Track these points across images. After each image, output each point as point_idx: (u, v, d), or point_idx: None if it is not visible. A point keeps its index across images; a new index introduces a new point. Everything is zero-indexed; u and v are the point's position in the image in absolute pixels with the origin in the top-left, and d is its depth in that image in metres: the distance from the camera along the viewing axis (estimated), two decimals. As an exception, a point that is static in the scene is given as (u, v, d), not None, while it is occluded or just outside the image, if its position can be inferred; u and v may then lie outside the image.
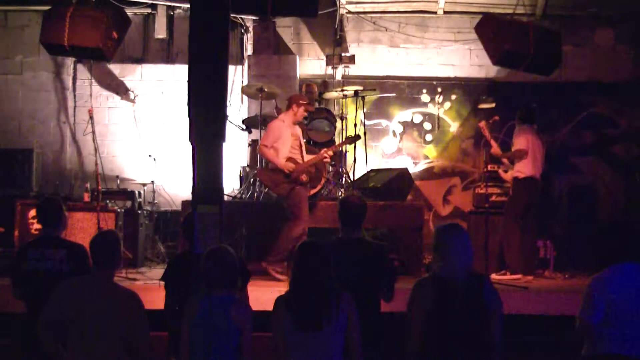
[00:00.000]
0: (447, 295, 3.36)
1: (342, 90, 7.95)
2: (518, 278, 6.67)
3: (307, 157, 6.80)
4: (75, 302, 3.51)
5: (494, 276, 6.70)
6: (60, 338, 3.58)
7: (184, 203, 7.08)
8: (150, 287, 5.87)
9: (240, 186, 7.97)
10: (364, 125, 7.81)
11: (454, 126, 9.18)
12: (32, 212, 6.96)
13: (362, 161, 7.86)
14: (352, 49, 9.05)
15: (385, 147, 9.18)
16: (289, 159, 6.60)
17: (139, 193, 8.02)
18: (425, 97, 9.19)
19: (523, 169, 6.86)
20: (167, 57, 9.19)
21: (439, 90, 9.16)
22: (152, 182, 8.30)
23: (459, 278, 3.39)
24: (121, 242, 3.80)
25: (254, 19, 8.89)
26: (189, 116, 4.97)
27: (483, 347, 3.40)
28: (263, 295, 5.29)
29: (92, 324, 3.47)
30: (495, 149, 7.08)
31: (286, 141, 6.63)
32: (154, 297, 4.65)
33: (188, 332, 3.49)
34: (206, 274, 3.52)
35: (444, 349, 3.35)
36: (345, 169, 7.68)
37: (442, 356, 3.36)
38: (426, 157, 9.18)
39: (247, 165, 8.07)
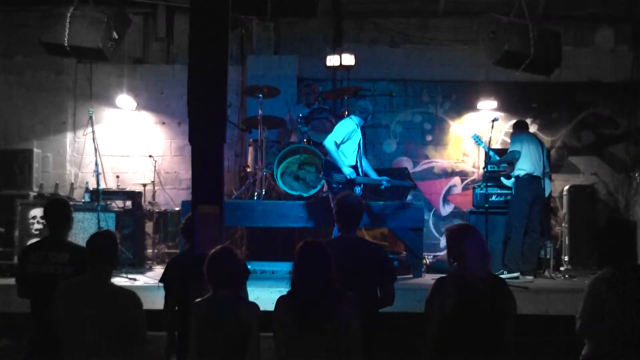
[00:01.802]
0: (469, 295, 3.35)
1: (342, 90, 7.94)
2: (516, 277, 6.68)
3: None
4: (73, 303, 3.50)
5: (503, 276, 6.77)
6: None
7: (184, 203, 7.07)
8: (150, 287, 5.87)
9: (241, 186, 7.96)
10: (364, 125, 7.81)
11: (454, 126, 9.18)
12: (32, 212, 6.96)
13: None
14: (352, 49, 9.05)
15: (385, 147, 9.18)
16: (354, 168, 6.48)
17: (139, 193, 8.01)
18: (425, 97, 9.20)
19: (523, 166, 7.04)
20: (167, 57, 9.19)
21: (439, 90, 9.17)
22: (152, 182, 8.29)
23: (481, 278, 3.39)
24: (119, 242, 3.78)
25: (254, 19, 8.88)
26: (189, 116, 4.98)
27: (499, 349, 3.40)
28: (263, 295, 5.28)
29: (91, 323, 3.45)
30: (493, 158, 7.25)
31: (353, 145, 6.55)
32: (154, 297, 4.64)
33: (197, 332, 3.48)
34: (212, 274, 3.51)
35: (461, 349, 3.34)
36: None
37: (459, 356, 3.36)
38: (426, 157, 9.19)
39: (247, 165, 8.07)
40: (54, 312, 3.55)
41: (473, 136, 7.80)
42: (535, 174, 7.03)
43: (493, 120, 7.26)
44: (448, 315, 3.34)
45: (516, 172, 7.09)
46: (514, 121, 7.46)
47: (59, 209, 4.29)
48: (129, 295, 3.61)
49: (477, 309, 3.35)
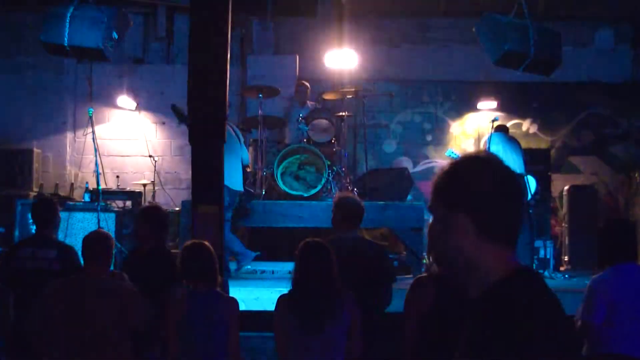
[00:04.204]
0: (446, 294, 3.27)
1: (342, 90, 7.93)
2: None
3: None
4: (68, 301, 3.45)
5: None
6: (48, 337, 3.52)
7: (184, 203, 7.06)
8: None
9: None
10: (364, 125, 7.81)
11: (454, 126, 9.18)
12: (32, 212, 6.95)
13: (362, 161, 7.84)
14: (352, 48, 9.03)
15: (385, 147, 9.17)
16: None
17: (139, 193, 8.00)
18: (425, 97, 9.19)
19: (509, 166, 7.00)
20: (167, 57, 9.18)
21: (439, 90, 9.16)
22: (152, 182, 8.28)
23: None
24: (114, 242, 3.75)
25: (254, 19, 8.87)
26: (189, 116, 4.97)
27: None
28: (264, 295, 5.27)
29: (86, 320, 3.41)
30: None
31: None
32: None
33: (175, 329, 3.49)
34: (185, 269, 3.55)
35: (440, 350, 3.33)
36: (345, 169, 7.66)
37: (438, 357, 3.34)
38: (426, 157, 9.18)
39: (247, 165, 8.05)
40: (43, 309, 3.49)
41: (448, 152, 7.77)
42: (519, 173, 7.05)
43: (493, 121, 7.27)
44: (425, 314, 3.30)
45: None
46: (514, 122, 7.46)
47: (46, 207, 4.33)
48: (127, 293, 3.57)
49: (456, 307, 3.31)
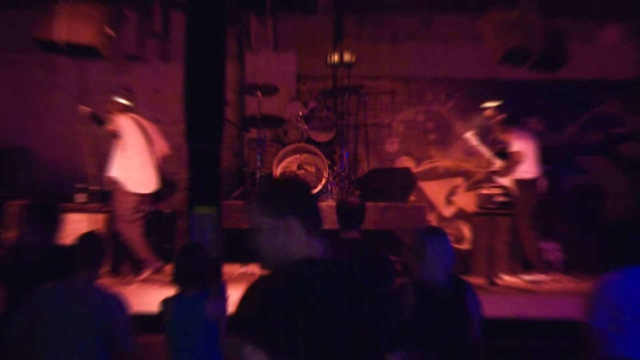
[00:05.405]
0: (426, 300, 3.35)
1: (343, 89, 7.84)
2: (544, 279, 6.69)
3: None
4: (52, 308, 3.36)
5: (524, 277, 6.78)
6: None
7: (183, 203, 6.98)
8: (145, 289, 5.85)
9: (239, 187, 7.87)
10: (365, 124, 7.73)
11: (457, 125, 9.07)
12: (23, 214, 6.85)
13: (363, 161, 7.77)
14: (353, 45, 8.91)
15: (387, 147, 9.08)
16: None
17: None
18: (428, 95, 9.09)
19: (530, 169, 6.97)
20: (163, 54, 9.07)
21: (442, 88, 9.06)
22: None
23: (439, 283, 3.38)
24: (103, 244, 3.65)
25: (252, 15, 8.78)
26: (185, 115, 4.85)
27: (463, 353, 3.39)
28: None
29: (71, 329, 3.31)
30: (492, 159, 7.17)
31: None
32: (151, 299, 4.53)
33: (166, 334, 3.51)
34: (176, 271, 3.58)
35: (422, 355, 3.28)
36: (346, 169, 7.57)
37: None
38: (429, 157, 9.08)
39: (246, 165, 7.99)
40: (28, 315, 3.38)
41: (469, 134, 7.71)
42: (538, 176, 6.99)
43: (497, 119, 7.19)
44: (408, 319, 3.33)
45: (521, 175, 7.03)
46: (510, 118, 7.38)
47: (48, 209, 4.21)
48: (112, 299, 3.47)
49: (433, 315, 3.34)
